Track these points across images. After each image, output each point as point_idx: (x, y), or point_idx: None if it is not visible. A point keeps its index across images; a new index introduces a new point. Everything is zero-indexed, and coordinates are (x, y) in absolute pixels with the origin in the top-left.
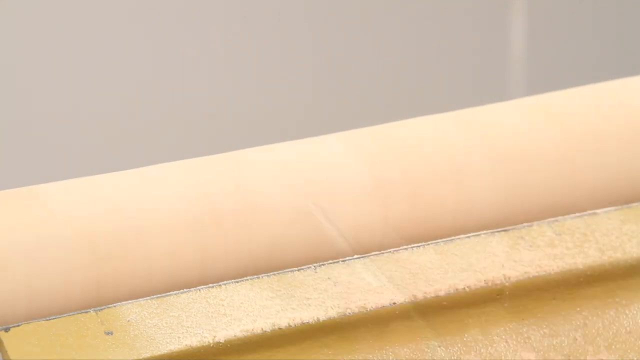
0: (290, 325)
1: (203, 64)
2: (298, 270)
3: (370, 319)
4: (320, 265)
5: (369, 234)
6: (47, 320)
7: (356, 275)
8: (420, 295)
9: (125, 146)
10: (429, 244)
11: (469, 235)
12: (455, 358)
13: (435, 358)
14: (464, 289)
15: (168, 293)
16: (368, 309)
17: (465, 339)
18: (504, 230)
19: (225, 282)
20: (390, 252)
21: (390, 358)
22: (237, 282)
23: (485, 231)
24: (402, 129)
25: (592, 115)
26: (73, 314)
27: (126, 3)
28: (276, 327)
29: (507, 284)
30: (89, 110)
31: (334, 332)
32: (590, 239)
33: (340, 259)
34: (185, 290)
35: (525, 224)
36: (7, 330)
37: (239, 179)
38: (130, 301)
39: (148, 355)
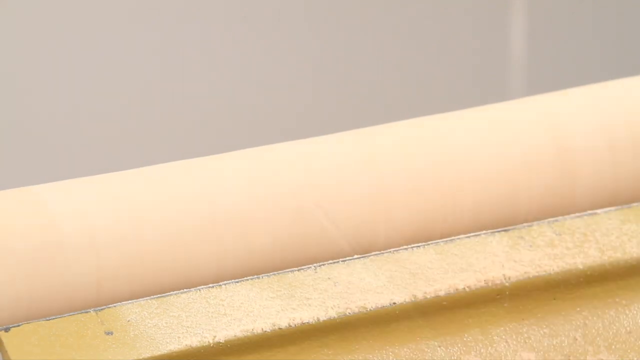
0: (290, 325)
1: (203, 64)
2: (298, 270)
3: (370, 319)
4: (320, 265)
5: (369, 234)
6: (47, 320)
7: (356, 275)
8: (420, 295)
9: (125, 146)
10: (429, 244)
11: (469, 235)
12: (455, 358)
13: (435, 358)
14: (464, 289)
15: (168, 293)
16: (368, 309)
17: (465, 339)
18: (504, 230)
19: (225, 282)
20: (390, 252)
21: (390, 358)
22: (237, 282)
23: (485, 231)
24: (402, 129)
25: (591, 115)
26: (73, 314)
27: (126, 3)
28: (276, 327)
29: (507, 284)
30: (89, 110)
31: (334, 332)
32: (590, 239)
33: (340, 259)
34: (185, 290)
35: (525, 224)
36: (7, 330)
37: (239, 179)
38: (130, 301)
39: (148, 355)
